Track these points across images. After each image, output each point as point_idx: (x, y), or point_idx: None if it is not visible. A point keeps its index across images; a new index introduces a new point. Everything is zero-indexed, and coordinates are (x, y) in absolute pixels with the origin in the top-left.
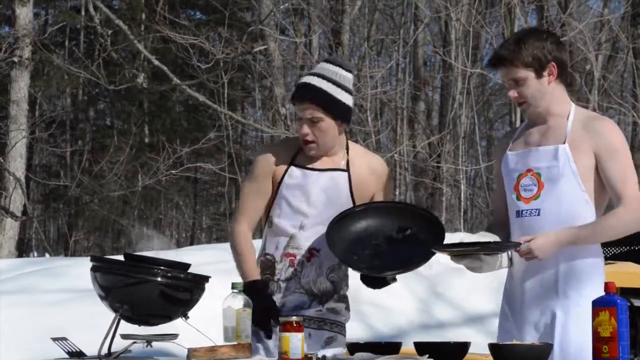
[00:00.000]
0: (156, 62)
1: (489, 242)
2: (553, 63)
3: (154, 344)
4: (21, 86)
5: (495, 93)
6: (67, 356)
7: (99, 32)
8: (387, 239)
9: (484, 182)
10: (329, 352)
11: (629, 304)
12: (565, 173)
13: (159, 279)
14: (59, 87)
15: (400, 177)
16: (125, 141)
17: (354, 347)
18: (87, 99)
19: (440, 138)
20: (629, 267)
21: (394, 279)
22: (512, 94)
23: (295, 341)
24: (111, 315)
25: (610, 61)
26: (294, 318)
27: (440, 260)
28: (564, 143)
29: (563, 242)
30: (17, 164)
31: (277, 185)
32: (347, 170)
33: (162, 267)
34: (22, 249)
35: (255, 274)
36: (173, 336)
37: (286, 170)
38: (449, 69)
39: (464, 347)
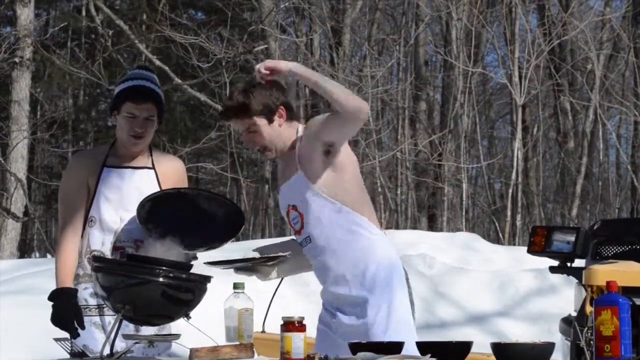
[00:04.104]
0: (157, 62)
1: (247, 259)
2: (281, 107)
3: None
4: (22, 87)
5: (496, 93)
6: (69, 357)
7: (100, 33)
8: (189, 221)
9: (485, 182)
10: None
11: (631, 303)
12: (308, 194)
13: (161, 279)
14: (60, 88)
15: (402, 176)
16: None
17: (355, 347)
18: (88, 99)
19: (441, 137)
20: (631, 266)
21: (195, 257)
22: (248, 141)
23: (298, 341)
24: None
25: (612, 60)
26: (297, 318)
27: (442, 260)
28: (297, 170)
29: (296, 66)
30: (18, 164)
31: (94, 187)
32: (154, 168)
33: (164, 268)
34: (24, 250)
35: (69, 282)
36: (175, 336)
37: (100, 172)
38: (450, 69)
39: (466, 346)
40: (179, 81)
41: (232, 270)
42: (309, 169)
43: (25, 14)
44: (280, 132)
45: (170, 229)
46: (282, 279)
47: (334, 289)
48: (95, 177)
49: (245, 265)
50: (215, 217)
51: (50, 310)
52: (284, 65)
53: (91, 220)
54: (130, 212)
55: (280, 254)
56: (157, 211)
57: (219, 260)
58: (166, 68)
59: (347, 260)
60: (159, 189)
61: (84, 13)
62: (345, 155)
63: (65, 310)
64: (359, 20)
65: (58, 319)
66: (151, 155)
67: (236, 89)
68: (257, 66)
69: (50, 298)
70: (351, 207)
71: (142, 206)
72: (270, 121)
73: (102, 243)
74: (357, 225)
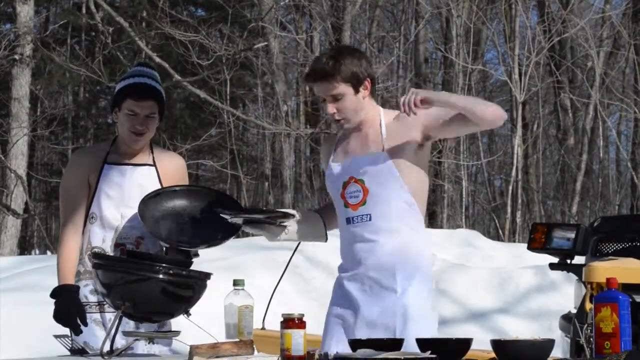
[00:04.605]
0: (157, 60)
1: (265, 210)
2: (368, 79)
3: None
4: (22, 84)
5: (496, 90)
6: (69, 353)
7: (100, 30)
8: (191, 218)
9: (485, 179)
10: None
11: (630, 299)
12: (387, 177)
13: (161, 276)
14: (60, 85)
15: None
16: None
17: (355, 343)
18: (88, 96)
19: None
20: (631, 263)
21: (197, 254)
22: (331, 109)
23: (298, 338)
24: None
25: (612, 58)
26: (297, 314)
27: (442, 257)
28: (383, 150)
29: (440, 93)
30: (18, 161)
31: (95, 184)
32: (154, 165)
33: (164, 264)
34: (24, 247)
35: (71, 279)
36: (175, 333)
37: (101, 169)
38: (450, 66)
39: (466, 343)
40: (179, 78)
41: (230, 264)
42: (397, 153)
43: (25, 11)
44: (364, 104)
45: (171, 226)
46: (291, 256)
47: (374, 273)
48: (96, 174)
49: (256, 219)
50: (215, 215)
51: (50, 307)
52: (427, 95)
53: (92, 217)
54: (131, 209)
55: (290, 211)
56: (157, 208)
57: (229, 210)
58: (166, 65)
59: (401, 251)
60: (160, 186)
61: (84, 10)
62: (428, 150)
63: (68, 307)
64: (358, 18)
65: (60, 316)
66: (152, 152)
67: (325, 53)
68: (411, 100)
69: (52, 295)
70: (417, 200)
71: (143, 203)
72: (357, 91)
73: (102, 240)
74: (418, 222)
